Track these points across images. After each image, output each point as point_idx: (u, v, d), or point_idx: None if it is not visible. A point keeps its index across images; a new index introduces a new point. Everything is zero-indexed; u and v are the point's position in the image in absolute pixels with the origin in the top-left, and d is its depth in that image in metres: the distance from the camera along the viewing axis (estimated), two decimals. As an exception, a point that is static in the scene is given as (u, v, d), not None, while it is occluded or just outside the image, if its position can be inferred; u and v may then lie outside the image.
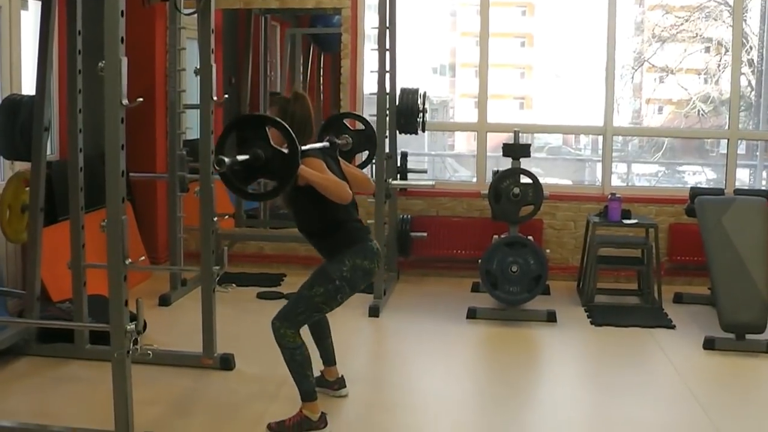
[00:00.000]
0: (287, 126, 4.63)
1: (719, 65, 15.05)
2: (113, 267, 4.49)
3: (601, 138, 9.61)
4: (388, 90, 8.17)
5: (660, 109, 16.96)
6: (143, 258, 7.99)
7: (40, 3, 6.06)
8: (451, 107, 18.42)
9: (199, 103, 6.26)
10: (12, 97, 6.47)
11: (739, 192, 8.43)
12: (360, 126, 7.18)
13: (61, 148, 7.81)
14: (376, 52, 8.05)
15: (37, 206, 6.21)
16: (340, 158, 5.42)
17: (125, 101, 4.38)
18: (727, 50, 12.95)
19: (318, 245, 5.22)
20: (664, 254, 8.88)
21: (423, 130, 8.78)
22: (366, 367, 6.65)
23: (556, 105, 16.48)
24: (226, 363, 6.16)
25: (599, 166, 9.80)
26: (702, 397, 5.81)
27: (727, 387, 6.18)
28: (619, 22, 9.29)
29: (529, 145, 8.08)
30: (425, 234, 9.02)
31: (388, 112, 8.21)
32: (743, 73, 12.22)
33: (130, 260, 4.52)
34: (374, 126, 7.67)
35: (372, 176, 7.70)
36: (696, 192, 8.12)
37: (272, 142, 4.56)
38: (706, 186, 11.04)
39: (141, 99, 4.61)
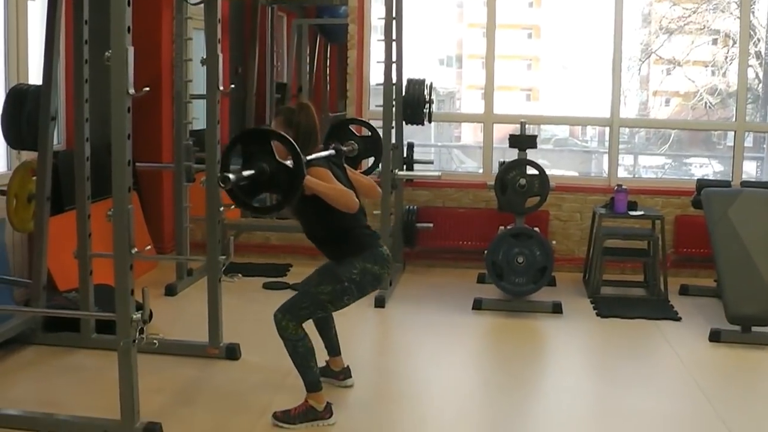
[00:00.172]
0: (291, 140, 4.64)
1: (726, 57, 15.01)
2: (119, 256, 4.50)
3: (607, 129, 9.60)
4: (394, 81, 8.17)
5: (667, 101, 16.89)
6: (149, 247, 8.00)
7: (46, -7, 6.07)
8: (457, 98, 18.36)
9: (205, 93, 6.26)
10: (19, 87, 6.48)
11: (745, 184, 8.42)
12: (366, 132, 7.18)
13: (68, 138, 7.81)
14: (383, 43, 8.05)
15: (44, 196, 6.22)
16: (346, 165, 5.43)
17: (131, 91, 4.39)
18: (734, 42, 12.92)
19: (327, 252, 5.23)
20: (671, 246, 8.86)
21: (429, 121, 8.82)
22: (372, 357, 6.66)
23: (563, 96, 16.42)
24: (232, 353, 6.17)
25: (606, 157, 9.79)
26: (707, 389, 5.81)
27: (732, 379, 6.18)
28: (626, 13, 9.28)
29: (536, 136, 8.08)
30: (431, 225, 9.03)
31: (394, 102, 8.21)
32: (750, 66, 12.19)
33: (136, 250, 4.53)
34: (380, 131, 7.65)
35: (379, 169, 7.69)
36: (702, 184, 8.11)
37: (277, 156, 4.56)
38: (713, 178, 11.01)
39: (147, 89, 4.62)
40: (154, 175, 9.07)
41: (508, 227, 7.78)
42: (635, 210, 8.25)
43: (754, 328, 6.84)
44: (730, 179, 8.98)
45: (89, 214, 6.16)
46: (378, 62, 8.18)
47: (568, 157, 16.36)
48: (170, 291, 7.91)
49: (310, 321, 5.21)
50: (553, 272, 7.83)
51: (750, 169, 11.15)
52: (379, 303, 7.61)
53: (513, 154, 7.93)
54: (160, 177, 9.14)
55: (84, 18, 5.91)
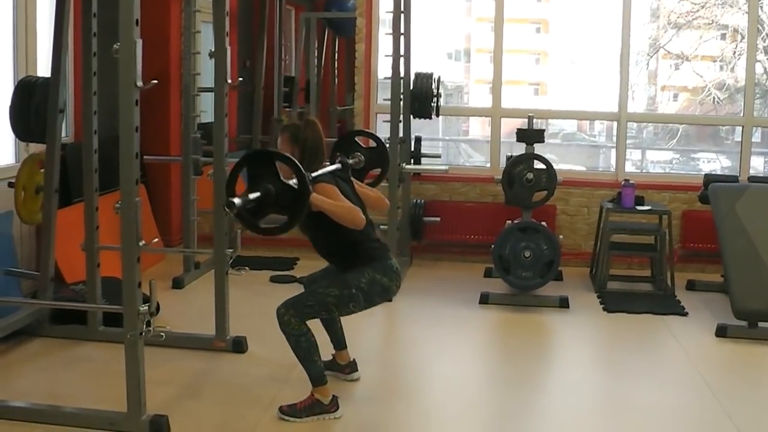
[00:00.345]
0: (294, 160, 4.65)
1: (735, 52, 14.99)
2: (127, 249, 4.52)
3: (615, 124, 9.60)
4: (402, 74, 8.18)
5: (675, 96, 16.87)
6: (156, 240, 7.99)
7: (55, -15, 6.08)
8: (465, 93, 18.37)
9: (213, 86, 6.27)
10: (27, 79, 6.49)
11: (753, 179, 8.40)
12: (372, 143, 7.18)
13: (76, 130, 7.82)
14: (391, 37, 8.05)
15: (52, 188, 6.23)
16: (353, 179, 5.45)
17: (140, 83, 4.40)
18: (742, 37, 12.90)
19: (336, 264, 5.24)
20: (677, 241, 8.85)
21: (437, 115, 8.81)
22: (378, 351, 6.67)
23: (570, 91, 16.41)
24: (239, 346, 6.18)
25: (613, 152, 9.78)
26: (713, 383, 5.81)
27: (738, 374, 6.18)
28: (634, 8, 9.27)
29: (543, 130, 8.06)
30: (438, 219, 9.04)
31: (402, 96, 8.21)
32: (759, 61, 12.17)
33: (143, 242, 4.55)
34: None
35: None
36: (710, 179, 8.11)
37: (282, 176, 4.57)
38: (721, 173, 11.00)
39: (155, 81, 4.63)
40: (162, 168, 9.08)
41: (515, 221, 7.78)
42: (642, 205, 8.25)
43: (761, 324, 6.83)
44: (738, 174, 8.97)
45: (97, 206, 6.18)
46: (386, 56, 8.19)
47: (576, 152, 16.34)
48: (177, 284, 7.92)
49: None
50: (559, 267, 7.84)
51: (758, 165, 11.15)
52: (386, 296, 7.61)
53: (520, 149, 7.93)
54: (168, 170, 9.15)
55: (92, 10, 5.93)
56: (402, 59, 8.14)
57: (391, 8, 8.09)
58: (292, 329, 4.93)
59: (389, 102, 8.01)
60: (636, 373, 6.07)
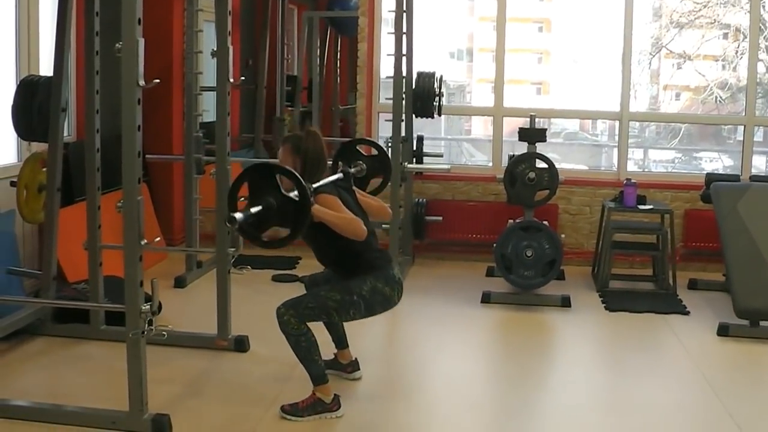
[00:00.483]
0: (295, 173, 4.65)
1: (737, 51, 14.99)
2: (129, 247, 4.52)
3: (617, 123, 9.59)
4: (404, 74, 8.18)
5: (677, 96, 16.88)
6: (159, 239, 8.02)
7: (57, -16, 6.09)
8: (468, 92, 18.39)
9: (215, 85, 6.28)
10: (30, 78, 6.50)
11: (754, 178, 8.40)
12: (374, 151, 7.18)
13: (78, 129, 7.83)
14: (393, 36, 8.05)
15: (54, 187, 6.24)
16: (355, 188, 5.46)
17: (142, 82, 4.40)
18: (744, 36, 12.89)
19: (339, 274, 5.23)
20: (679, 240, 8.86)
21: (439, 114, 8.81)
22: (380, 350, 6.67)
23: (573, 90, 16.42)
24: (241, 344, 6.19)
25: (616, 151, 9.78)
26: (715, 382, 5.81)
27: (740, 373, 6.18)
28: (636, 7, 9.27)
29: (545, 129, 8.06)
30: (440, 218, 9.05)
31: (404, 95, 8.21)
32: (761, 60, 12.17)
33: (145, 241, 4.55)
34: (389, 151, 7.63)
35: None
36: (711, 178, 8.11)
37: (283, 188, 4.58)
38: (723, 172, 11.00)
39: (158, 80, 4.63)
40: (165, 167, 9.09)
41: (518, 220, 7.79)
42: (644, 204, 8.25)
43: (762, 323, 6.83)
44: (740, 174, 8.98)
45: (99, 205, 6.18)
46: (388, 55, 8.18)
47: (578, 151, 16.35)
48: (179, 283, 7.93)
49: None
50: (561, 266, 7.84)
51: (759, 164, 11.15)
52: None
53: (523, 148, 7.93)
54: (171, 169, 9.16)
55: (95, 9, 5.92)
56: (404, 58, 8.14)
57: (394, 7, 8.09)
58: (291, 329, 4.93)
59: (391, 101, 8.01)
60: (638, 371, 6.08)
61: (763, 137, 11.72)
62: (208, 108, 8.55)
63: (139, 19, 4.36)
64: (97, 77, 6.01)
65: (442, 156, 10.32)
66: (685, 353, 6.49)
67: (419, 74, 8.67)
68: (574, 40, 16.91)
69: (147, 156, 8.00)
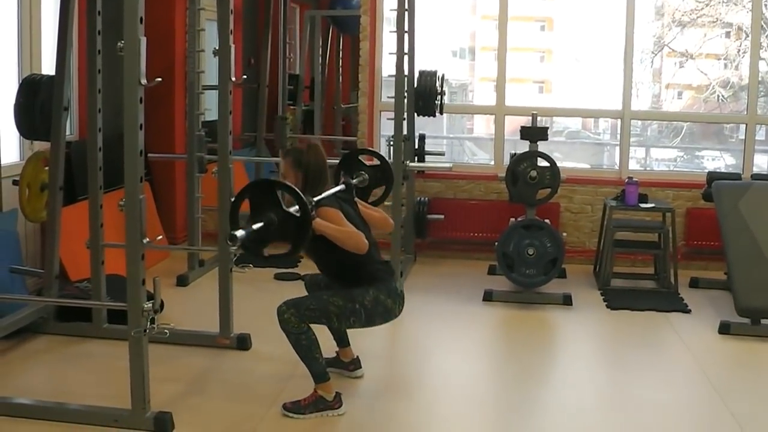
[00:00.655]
0: (295, 189, 4.65)
1: (739, 50, 14.99)
2: (131, 246, 4.53)
3: (619, 122, 9.59)
4: (406, 72, 8.16)
5: (679, 94, 16.88)
6: (161, 237, 8.01)
7: (60, -17, 6.09)
8: (470, 91, 18.38)
9: (217, 84, 6.28)
10: (32, 77, 6.50)
11: (756, 177, 8.41)
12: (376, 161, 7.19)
13: (81, 128, 7.84)
14: (395, 35, 8.04)
15: (57, 185, 6.25)
16: (357, 199, 5.48)
17: (144, 81, 4.42)
18: (747, 35, 12.86)
19: (342, 286, 5.24)
20: (681, 239, 8.86)
21: (441, 113, 8.81)
22: (382, 348, 6.67)
23: (575, 89, 16.42)
24: (243, 343, 6.20)
25: (617, 150, 9.78)
26: (716, 380, 5.82)
27: (741, 371, 6.19)
28: (638, 6, 9.28)
29: (547, 128, 8.07)
30: (442, 216, 9.06)
31: (406, 94, 8.21)
32: (763, 58, 12.12)
33: (147, 239, 4.56)
34: (390, 159, 7.64)
35: (389, 159, 7.69)
36: (713, 176, 8.11)
37: (284, 203, 4.59)
38: (724, 171, 10.99)
39: (160, 79, 4.65)
40: (167, 166, 9.10)
41: (519, 219, 7.79)
42: (646, 202, 8.26)
43: (764, 321, 6.84)
44: (741, 172, 8.97)
45: (101, 204, 6.19)
46: (390, 54, 8.17)
47: (580, 150, 16.35)
48: (182, 281, 7.94)
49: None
50: (563, 264, 7.84)
51: (761, 162, 11.13)
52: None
53: (524, 146, 7.94)
54: (173, 167, 9.17)
55: (97, 8, 5.93)
56: (406, 57, 8.13)
57: (396, 6, 8.08)
58: (291, 327, 4.95)
59: (393, 100, 8.01)
60: (639, 369, 6.08)
61: (765, 136, 11.72)
62: (210, 107, 8.56)
63: (141, 18, 4.37)
64: (99, 76, 6.02)
65: (443, 154, 10.33)
66: (686, 351, 6.49)
67: (421, 73, 8.67)
68: (576, 39, 16.90)
69: (149, 155, 8.01)
